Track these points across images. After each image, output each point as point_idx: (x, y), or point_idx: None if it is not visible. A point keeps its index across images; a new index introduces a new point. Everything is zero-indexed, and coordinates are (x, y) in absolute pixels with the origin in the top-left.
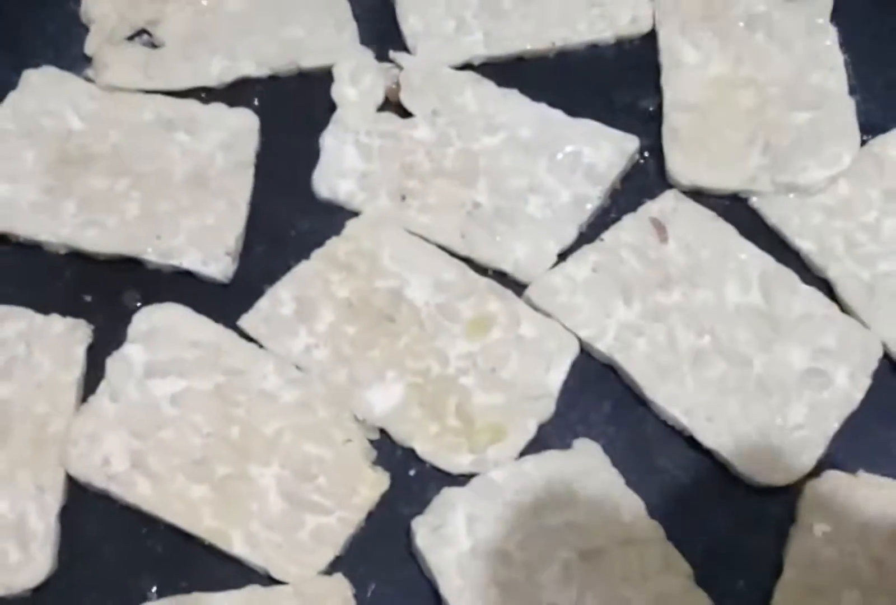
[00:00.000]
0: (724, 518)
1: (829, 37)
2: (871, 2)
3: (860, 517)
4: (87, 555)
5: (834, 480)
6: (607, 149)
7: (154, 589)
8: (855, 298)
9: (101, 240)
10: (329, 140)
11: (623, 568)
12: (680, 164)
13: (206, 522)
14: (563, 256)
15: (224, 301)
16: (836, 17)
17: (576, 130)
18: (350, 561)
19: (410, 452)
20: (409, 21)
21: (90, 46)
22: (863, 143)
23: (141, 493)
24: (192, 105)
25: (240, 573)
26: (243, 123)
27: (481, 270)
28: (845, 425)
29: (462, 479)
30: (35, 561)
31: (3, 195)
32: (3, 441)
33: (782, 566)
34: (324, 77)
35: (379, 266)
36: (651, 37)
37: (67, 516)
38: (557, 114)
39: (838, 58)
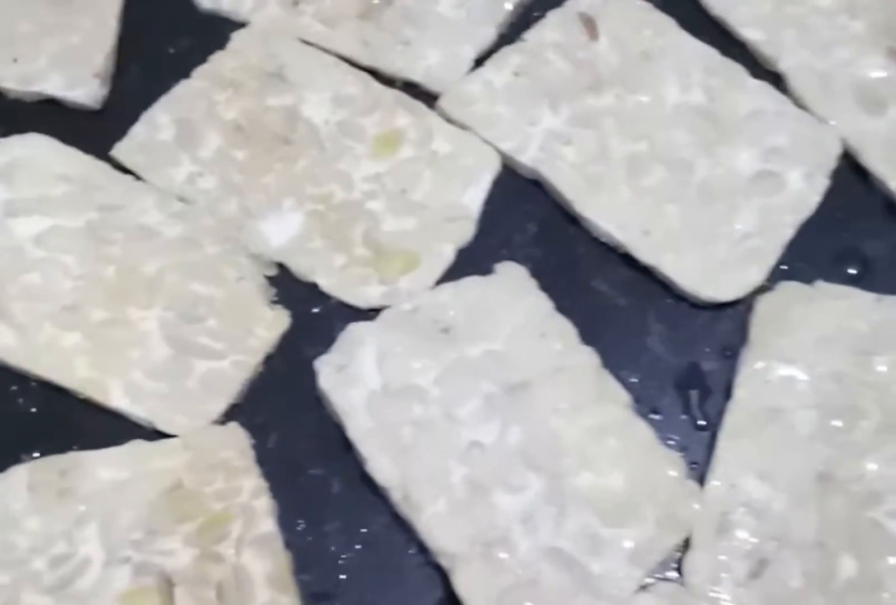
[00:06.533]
0: (667, 341)
1: None
2: None
3: (818, 331)
4: None
5: (788, 291)
6: None
7: (32, 453)
8: (809, 91)
9: None
10: None
11: (553, 400)
12: None
13: (81, 373)
14: (480, 62)
15: (95, 130)
16: None
17: None
18: (248, 410)
19: (313, 287)
20: None
21: None
22: None
23: (5, 345)
24: None
25: (125, 430)
26: None
27: (387, 81)
28: (801, 232)
29: (372, 314)
30: None
31: None
32: None
33: (732, 388)
34: None
35: (270, 82)
36: None
37: None
38: None
39: None
